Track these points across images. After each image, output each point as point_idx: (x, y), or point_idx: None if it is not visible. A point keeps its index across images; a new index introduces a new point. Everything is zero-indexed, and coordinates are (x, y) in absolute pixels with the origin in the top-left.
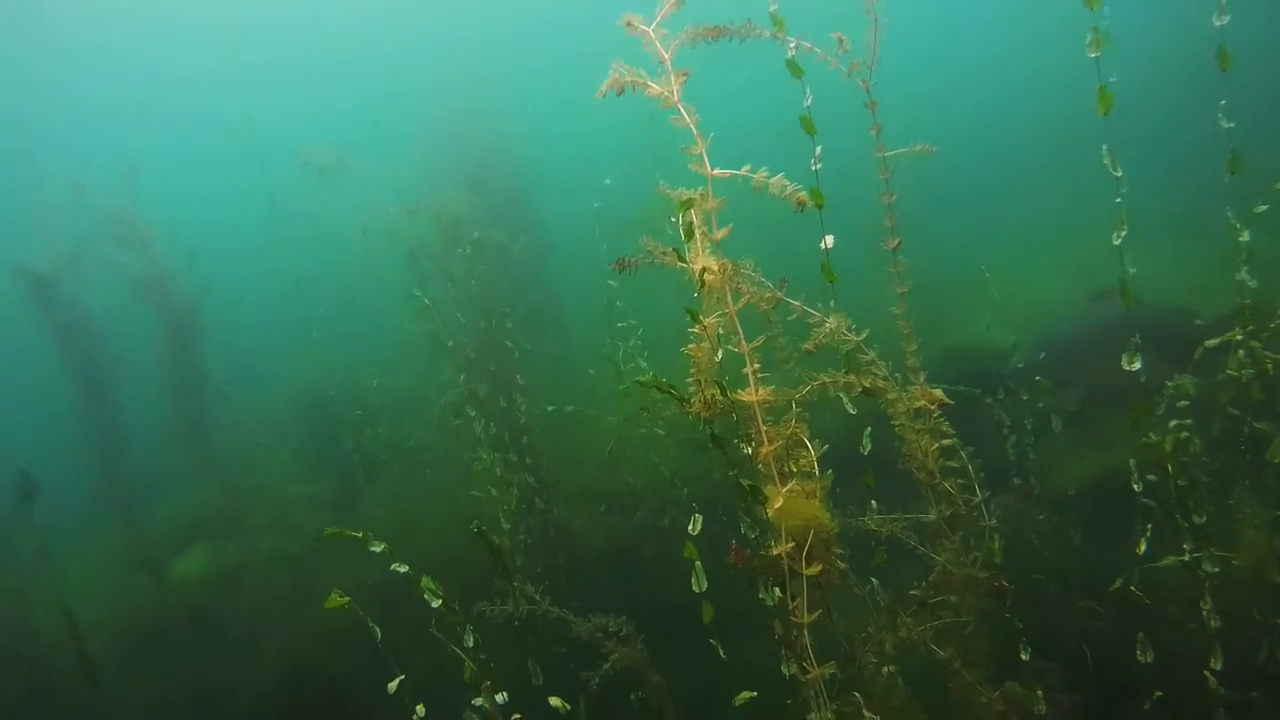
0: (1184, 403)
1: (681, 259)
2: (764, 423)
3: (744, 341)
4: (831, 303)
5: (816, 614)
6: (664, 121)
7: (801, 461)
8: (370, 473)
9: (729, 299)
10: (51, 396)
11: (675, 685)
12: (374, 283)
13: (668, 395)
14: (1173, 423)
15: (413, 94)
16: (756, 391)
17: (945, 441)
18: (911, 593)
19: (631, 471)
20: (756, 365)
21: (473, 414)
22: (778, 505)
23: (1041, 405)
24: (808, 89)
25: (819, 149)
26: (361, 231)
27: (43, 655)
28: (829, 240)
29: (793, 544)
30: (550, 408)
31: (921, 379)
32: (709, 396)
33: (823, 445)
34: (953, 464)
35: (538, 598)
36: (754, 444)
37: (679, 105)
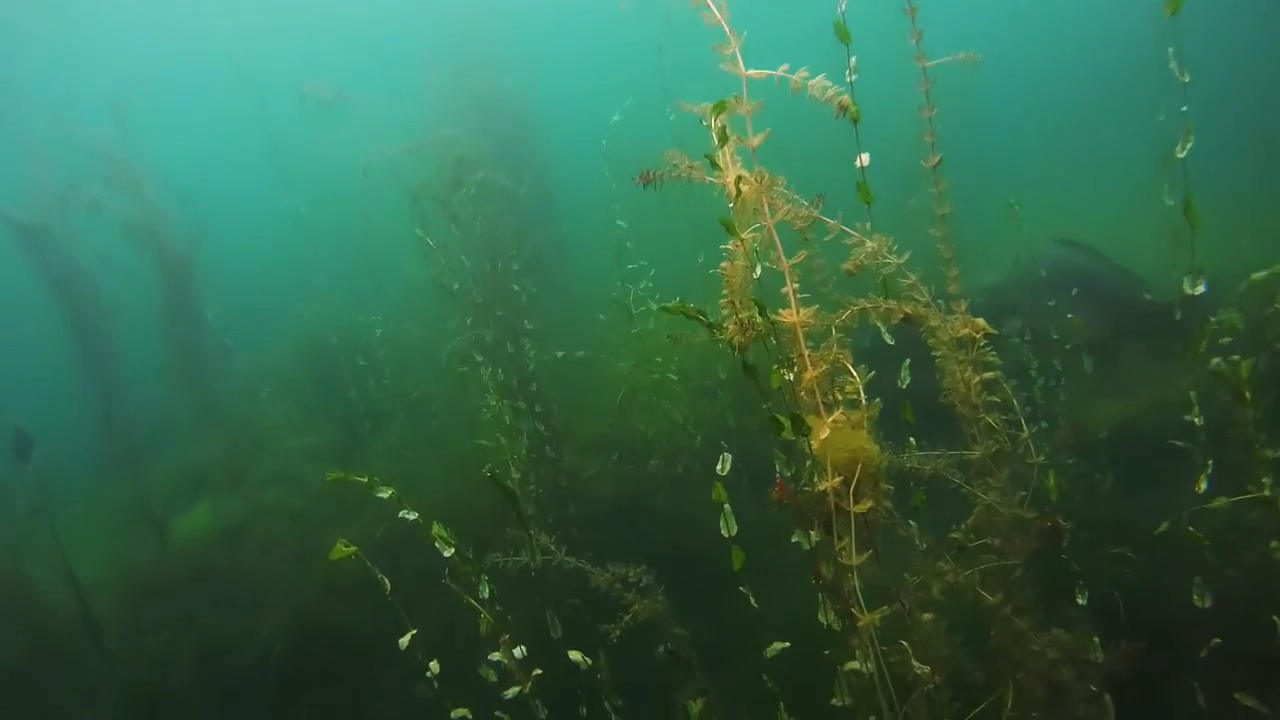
0: (1227, 339)
1: (715, 168)
2: (806, 347)
3: (783, 258)
4: (868, 224)
5: (866, 556)
6: (674, 52)
7: (847, 389)
8: (375, 423)
9: (766, 212)
10: (44, 349)
11: (695, 637)
12: (376, 224)
13: (696, 321)
14: (1215, 360)
15: (416, 26)
16: (798, 312)
17: (988, 375)
18: (951, 535)
19: (644, 418)
20: (796, 284)
21: (479, 360)
22: (823, 436)
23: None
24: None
25: (854, 59)
26: (362, 171)
27: (44, 615)
28: (865, 158)
29: (839, 479)
30: (560, 354)
31: (964, 307)
32: (744, 319)
33: (868, 371)
34: (995, 399)
35: (553, 548)
36: (795, 370)
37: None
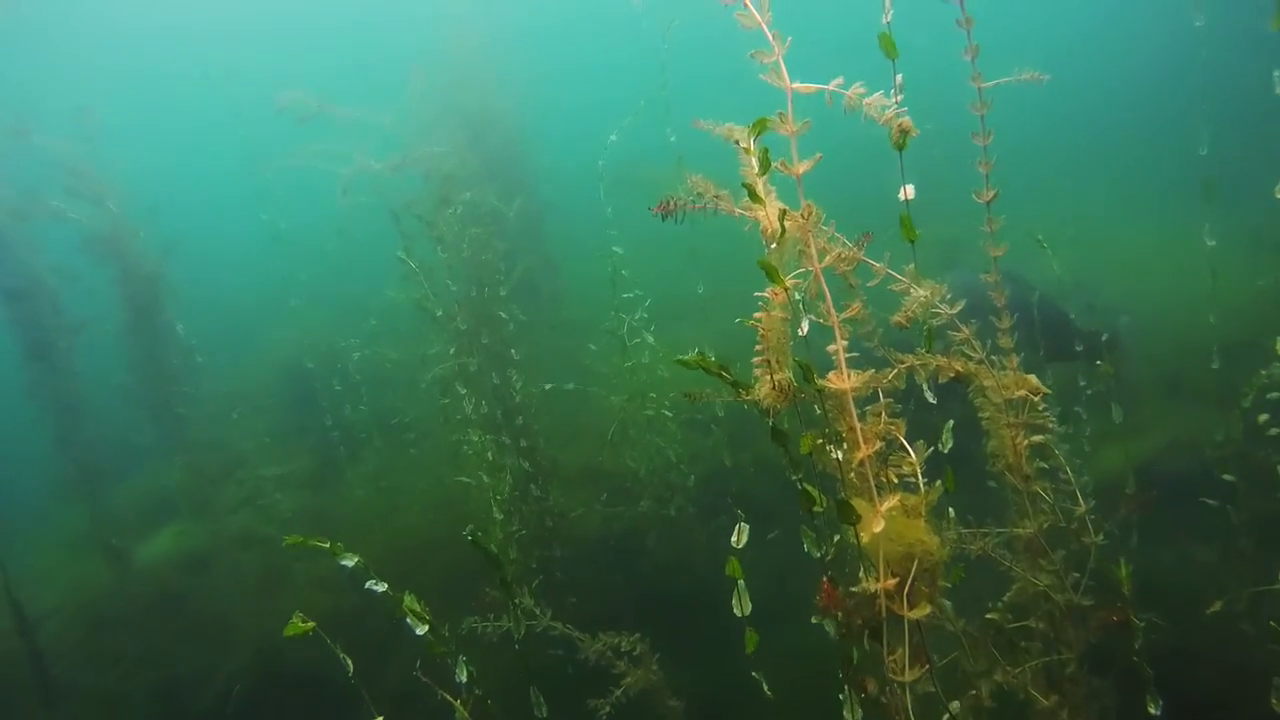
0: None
1: (754, 199)
2: (858, 417)
3: (833, 310)
4: (912, 265)
5: (921, 671)
6: (679, 70)
7: (904, 468)
8: (351, 450)
9: (814, 255)
10: None
11: (684, 689)
12: (357, 244)
13: (719, 379)
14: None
15: (400, 37)
16: (849, 376)
17: (1037, 438)
18: (988, 616)
19: (635, 455)
20: (845, 341)
21: (463, 392)
22: (877, 528)
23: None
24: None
25: (900, 76)
26: (342, 190)
27: None
28: (909, 190)
29: (894, 579)
30: (548, 386)
31: (1015, 362)
32: (782, 382)
33: (927, 448)
34: (1046, 465)
35: (538, 611)
36: (845, 445)
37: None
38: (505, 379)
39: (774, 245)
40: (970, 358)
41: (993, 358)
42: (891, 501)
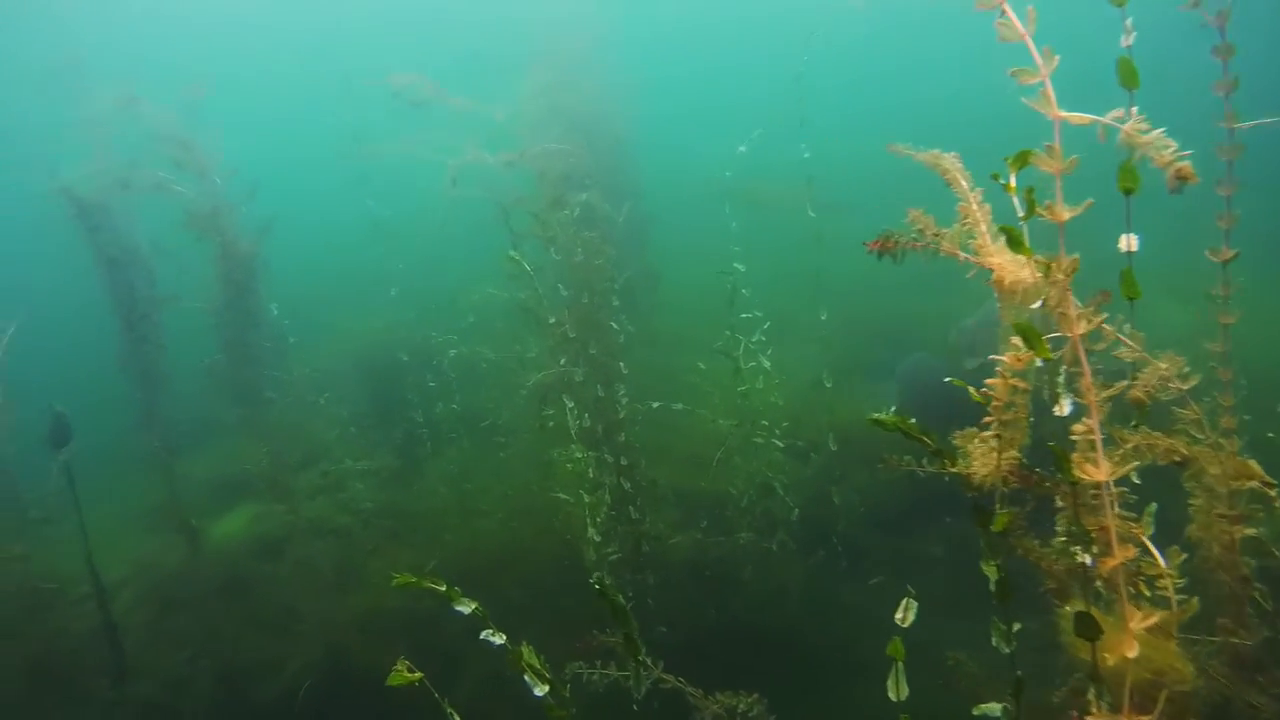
0: None
1: (1015, 246)
2: (1113, 515)
3: (1090, 385)
4: (1127, 327)
5: None
6: (815, 82)
7: (1157, 582)
8: (436, 447)
9: (1073, 320)
10: (91, 334)
11: None
12: (457, 238)
13: (921, 444)
14: None
15: (515, 33)
16: (1105, 467)
17: (1250, 531)
18: None
19: (738, 483)
20: (1098, 420)
21: (570, 405)
22: (1131, 651)
23: None
24: (1129, 20)
25: (1135, 109)
26: (450, 181)
27: (64, 611)
28: (1133, 240)
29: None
30: (655, 404)
31: (1237, 446)
32: (1012, 463)
33: (1181, 553)
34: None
35: (649, 663)
36: (1095, 548)
37: (1004, 5)
38: (611, 393)
39: (1023, 300)
40: (1196, 439)
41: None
42: (1149, 619)
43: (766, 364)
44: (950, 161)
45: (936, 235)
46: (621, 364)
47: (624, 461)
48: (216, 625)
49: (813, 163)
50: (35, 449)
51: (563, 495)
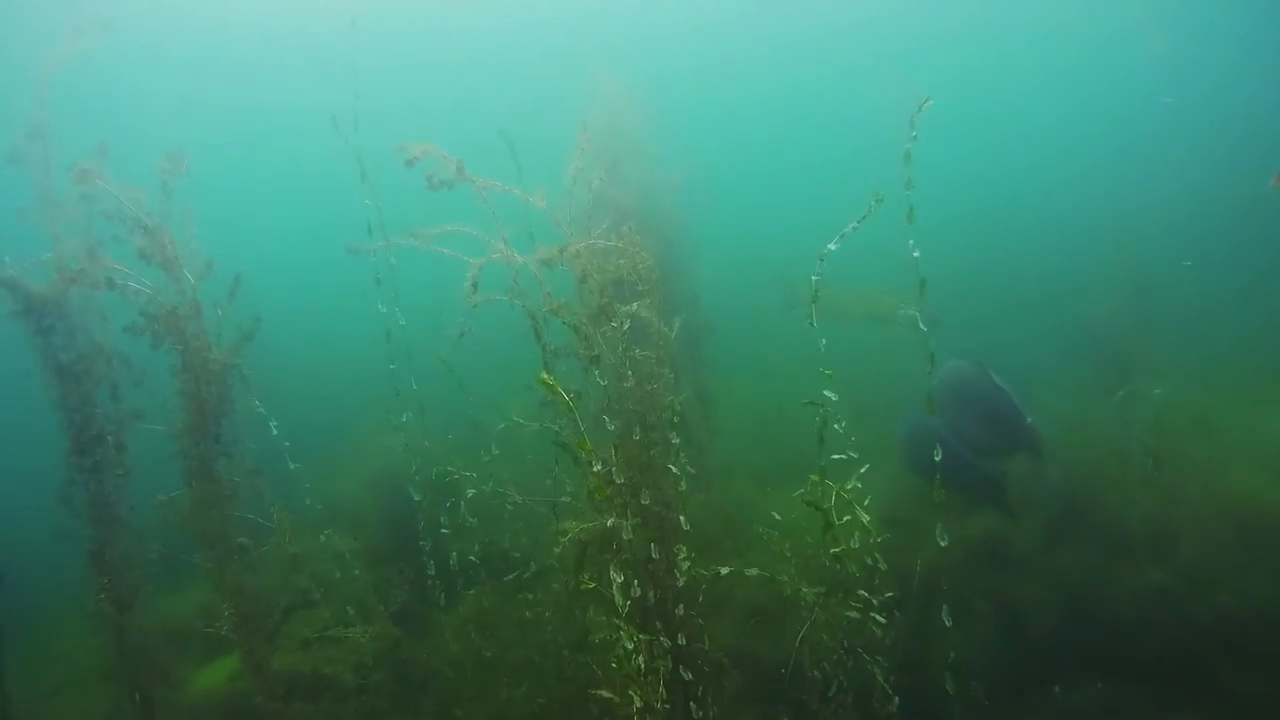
0: None
1: None
2: None
3: None
4: None
5: None
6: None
7: None
8: (450, 598)
9: None
10: (35, 457)
11: None
12: (485, 354)
13: None
14: None
15: (552, 111)
16: None
17: None
18: None
19: (829, 664)
20: None
21: (618, 579)
22: None
23: None
24: None
25: None
26: (471, 284)
27: None
28: None
29: None
30: (724, 569)
31: None
32: None
33: None
34: None
35: None
36: None
37: None
38: (670, 557)
39: None
40: None
41: None
42: None
43: (865, 517)
44: None
45: None
46: (682, 518)
47: (681, 641)
48: None
49: (924, 262)
50: None
51: (605, 693)
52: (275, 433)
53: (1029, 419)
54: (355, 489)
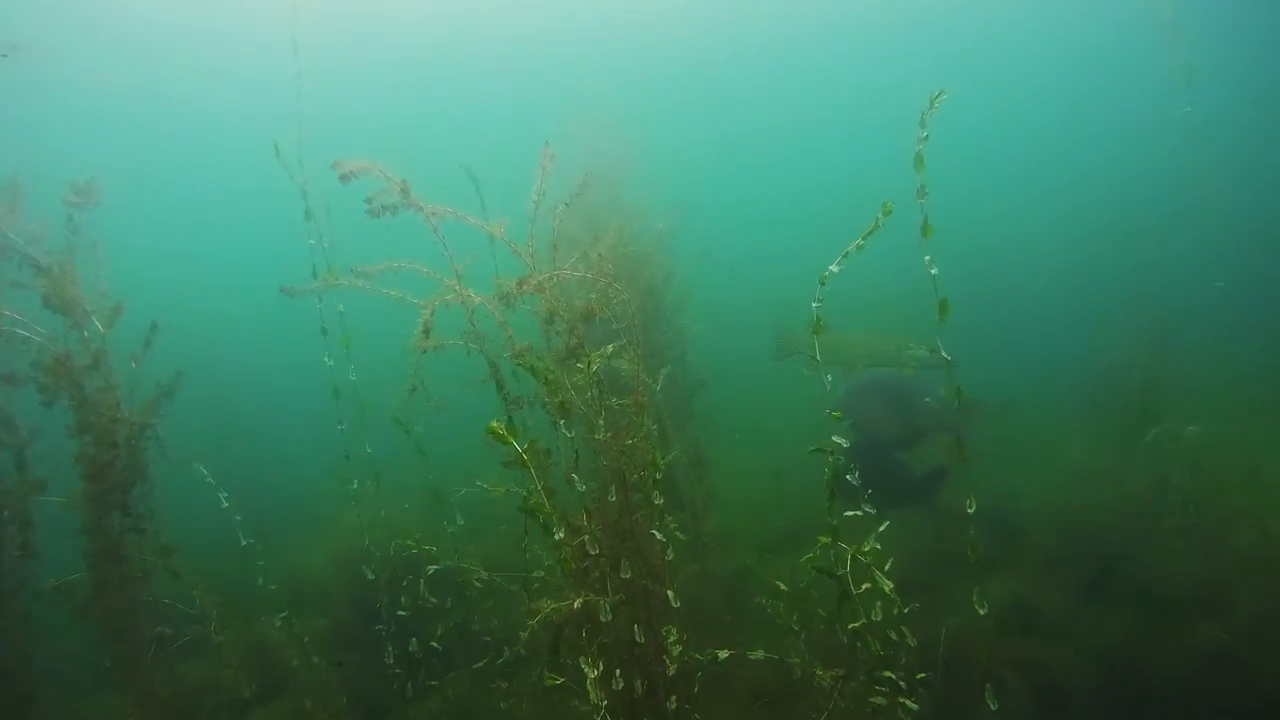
0: None
1: None
2: None
3: None
4: None
5: None
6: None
7: None
8: (419, 690)
9: None
10: None
11: None
12: (442, 405)
13: None
14: None
15: (519, 138)
16: None
17: None
18: None
19: None
20: None
21: (592, 670)
22: None
23: None
24: None
25: None
26: (423, 330)
27: None
28: None
29: None
30: (723, 653)
31: None
32: None
33: None
34: None
35: None
36: None
37: None
38: (656, 640)
39: None
40: None
41: None
42: None
43: (888, 585)
44: None
45: None
46: (670, 593)
47: None
48: None
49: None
50: None
51: None
52: (225, 505)
53: (927, 399)
54: (321, 565)
